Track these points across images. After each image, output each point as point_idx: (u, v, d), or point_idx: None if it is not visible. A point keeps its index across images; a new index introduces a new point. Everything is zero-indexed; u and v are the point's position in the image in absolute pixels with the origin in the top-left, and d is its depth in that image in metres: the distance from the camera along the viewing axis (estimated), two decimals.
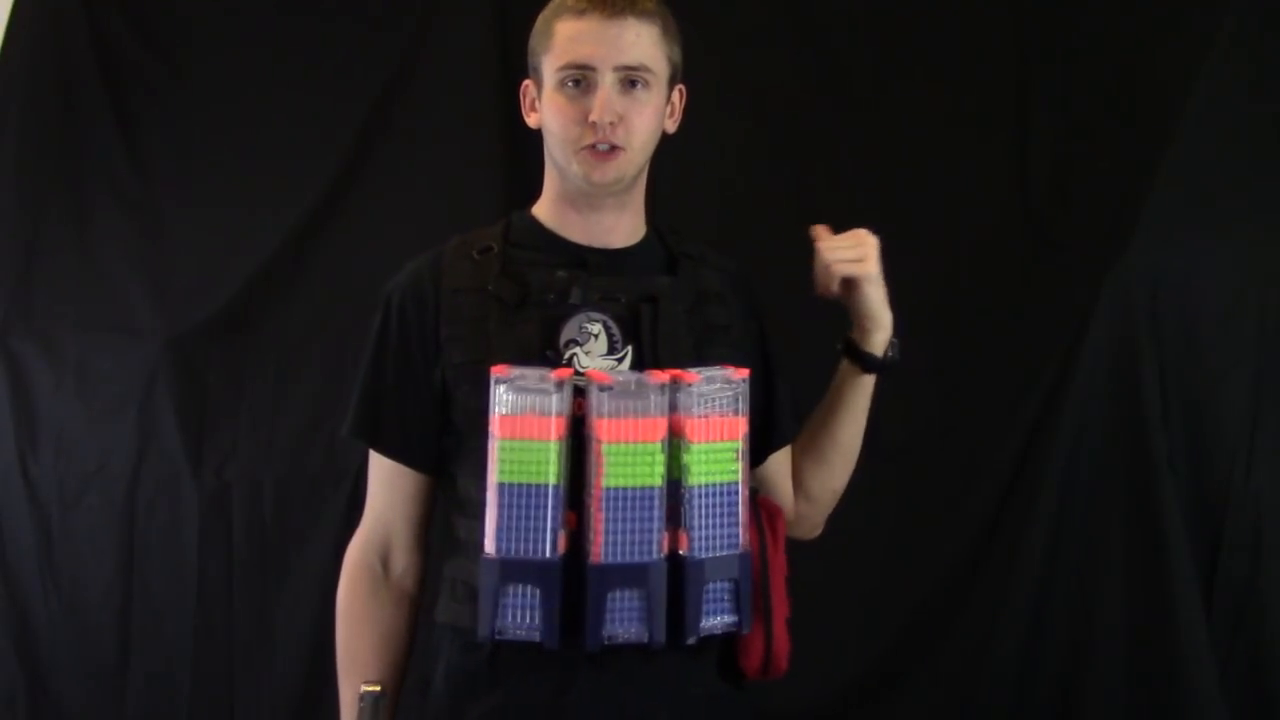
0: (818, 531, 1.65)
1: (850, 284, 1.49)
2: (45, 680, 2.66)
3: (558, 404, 1.35)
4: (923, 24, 2.55)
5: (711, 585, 1.38)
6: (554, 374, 1.36)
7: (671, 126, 1.53)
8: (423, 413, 1.49)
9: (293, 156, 2.68)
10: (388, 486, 1.54)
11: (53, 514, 2.67)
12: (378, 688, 1.46)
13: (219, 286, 2.67)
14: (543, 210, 1.54)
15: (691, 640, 1.37)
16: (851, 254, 1.49)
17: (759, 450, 1.52)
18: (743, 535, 1.39)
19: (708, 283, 1.52)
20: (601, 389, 1.35)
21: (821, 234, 1.52)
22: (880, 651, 2.48)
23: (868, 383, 1.55)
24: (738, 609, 1.39)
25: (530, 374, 1.36)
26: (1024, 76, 2.51)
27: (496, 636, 1.37)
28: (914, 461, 2.45)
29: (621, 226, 1.52)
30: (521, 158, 2.55)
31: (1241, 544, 2.32)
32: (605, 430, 1.34)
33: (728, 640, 1.44)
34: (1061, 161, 2.48)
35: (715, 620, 1.39)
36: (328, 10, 2.71)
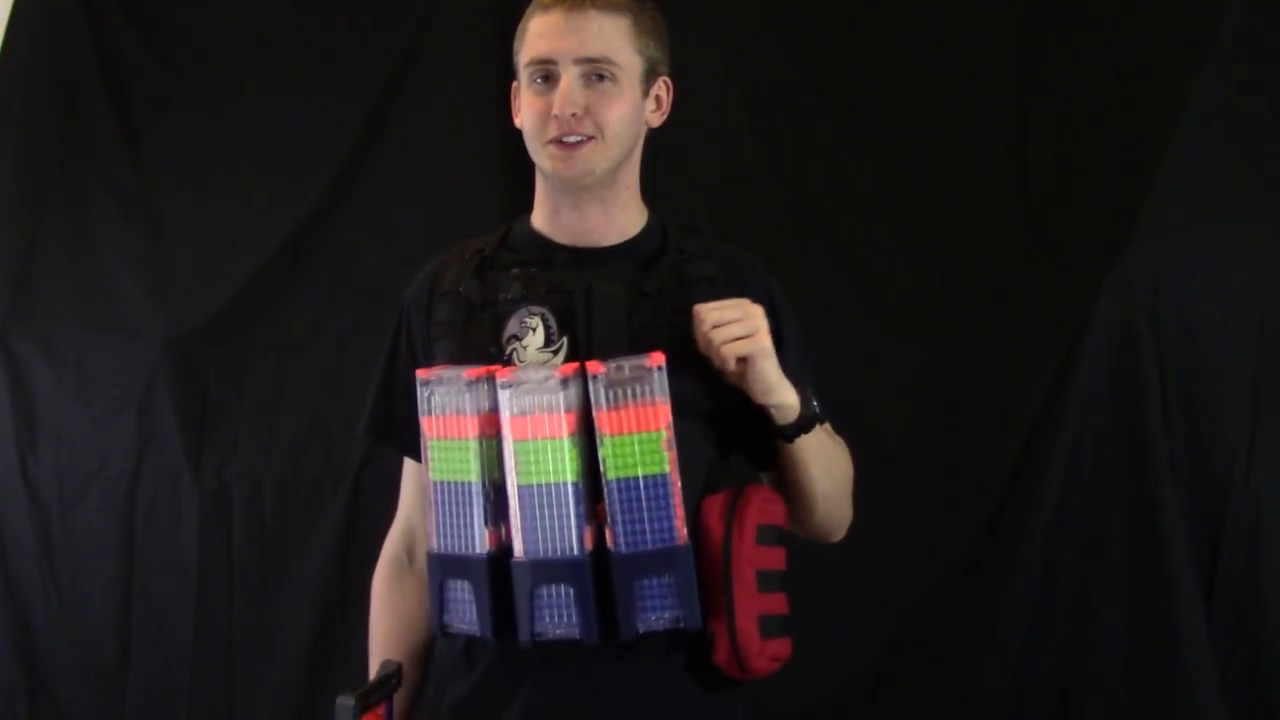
0: (841, 534, 1.61)
1: (743, 361, 1.40)
2: (45, 680, 2.67)
3: (472, 403, 1.36)
4: (922, 23, 2.55)
5: (645, 581, 1.36)
6: (467, 373, 1.37)
7: (657, 120, 1.52)
8: None
9: (293, 156, 2.69)
10: (409, 482, 1.60)
11: (53, 514, 2.68)
12: (395, 664, 1.50)
13: (219, 286, 2.68)
14: (535, 214, 1.55)
15: (629, 638, 1.36)
16: (740, 329, 1.39)
17: (763, 452, 1.51)
18: (679, 528, 1.36)
19: (698, 272, 1.50)
20: (504, 386, 1.36)
21: (702, 311, 1.41)
22: (880, 651, 2.48)
23: (799, 444, 1.46)
24: (680, 605, 1.37)
25: (448, 374, 1.38)
26: (1024, 76, 2.51)
27: (442, 631, 1.42)
28: (914, 461, 2.45)
29: (609, 225, 1.51)
30: (521, 159, 2.55)
31: (1241, 544, 2.31)
32: (513, 428, 1.36)
33: (699, 638, 1.42)
34: (1061, 161, 2.48)
35: (655, 616, 1.37)
36: (328, 11, 2.71)
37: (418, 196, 2.65)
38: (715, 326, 1.39)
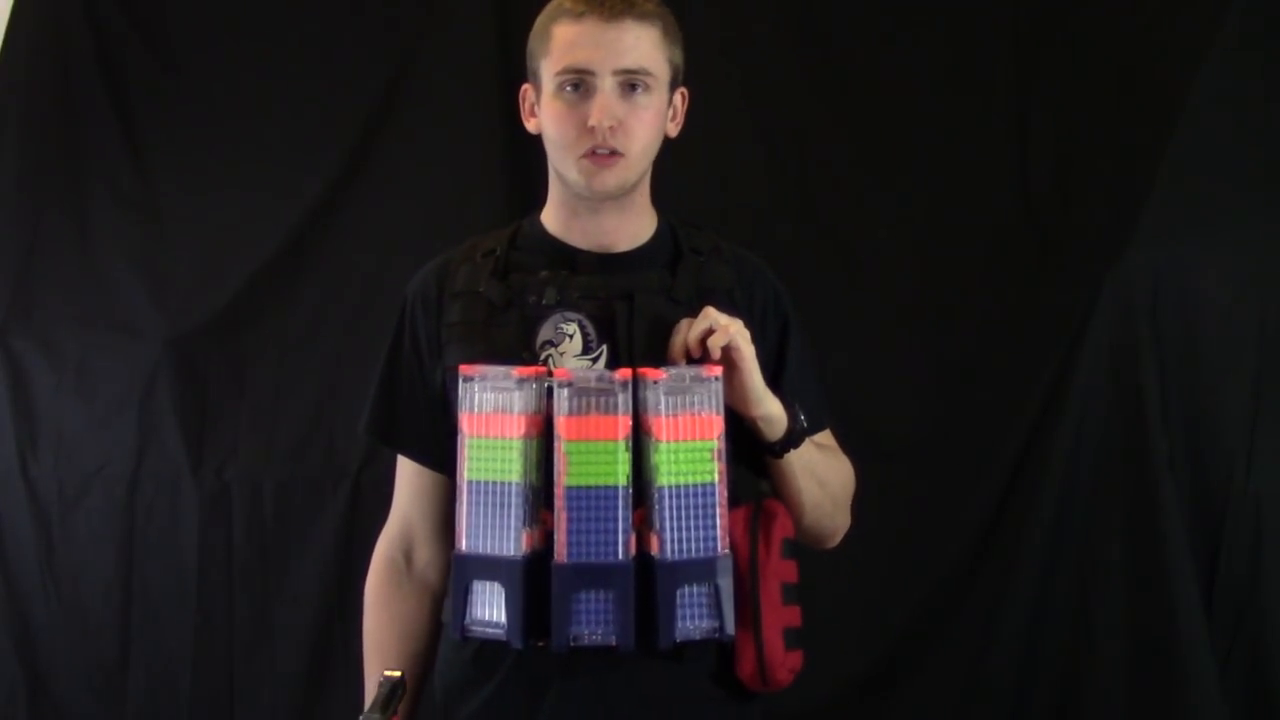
0: (834, 542, 1.61)
1: (729, 365, 1.39)
2: (45, 680, 2.67)
3: (521, 401, 1.35)
4: (923, 24, 2.55)
5: (687, 589, 1.35)
6: (517, 371, 1.36)
7: (674, 130, 1.52)
8: (432, 413, 1.50)
9: (293, 156, 2.68)
10: (407, 483, 1.56)
11: (53, 514, 2.67)
12: (398, 674, 1.47)
13: (219, 286, 2.67)
14: (547, 216, 1.54)
15: (667, 646, 1.35)
16: (723, 321, 1.38)
17: (759, 457, 1.50)
18: (722, 538, 1.36)
19: (715, 279, 1.50)
20: (561, 385, 1.35)
21: (682, 325, 1.42)
22: (880, 651, 2.48)
23: (787, 459, 1.47)
24: (718, 615, 1.36)
25: (495, 371, 1.37)
26: (1024, 76, 2.51)
27: (465, 634, 1.38)
28: (914, 461, 2.45)
29: (624, 230, 1.51)
30: (522, 158, 2.55)
31: (1241, 544, 2.32)
32: (566, 428, 1.34)
33: (723, 649, 1.42)
34: (1061, 161, 2.48)
35: (693, 625, 1.36)
36: (328, 10, 2.71)
37: (417, 196, 2.65)
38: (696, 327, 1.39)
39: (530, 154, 2.54)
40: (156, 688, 2.64)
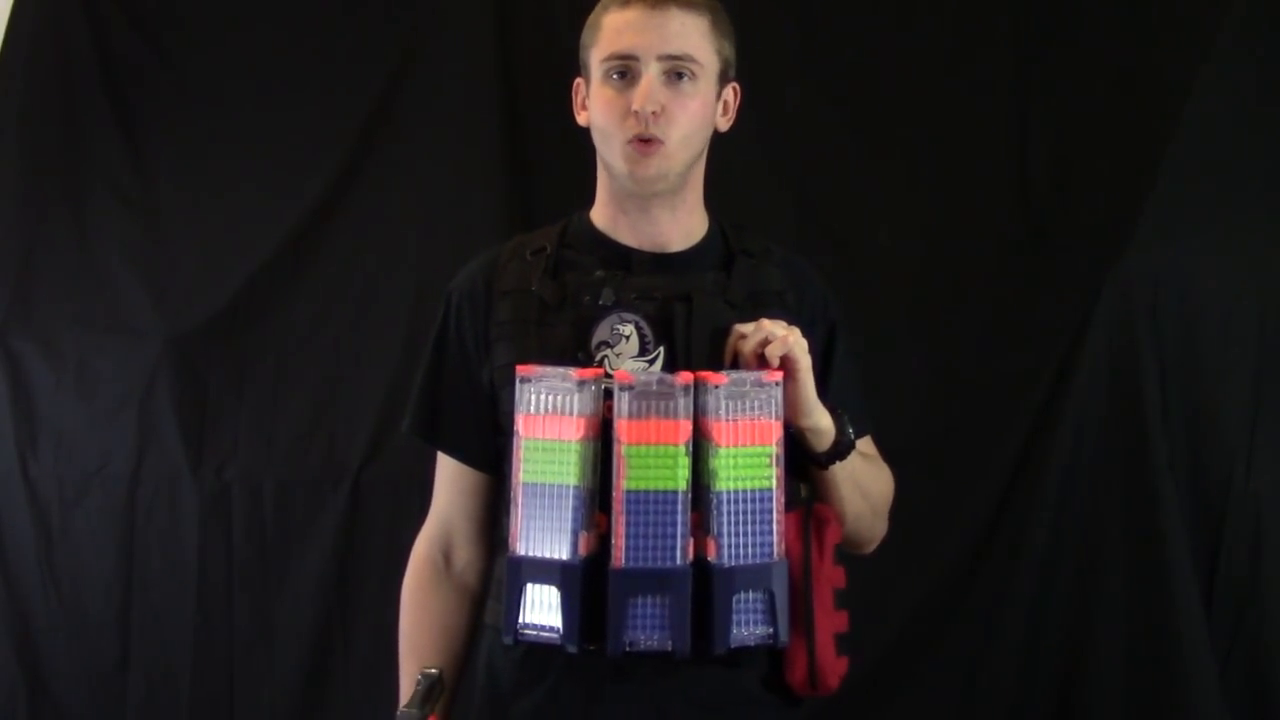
0: (870, 549, 1.61)
1: (785, 373, 1.38)
2: (45, 681, 2.66)
3: (579, 404, 1.34)
4: (923, 23, 2.55)
5: (743, 595, 1.34)
6: (577, 373, 1.34)
7: (724, 125, 1.51)
8: (477, 412, 1.49)
9: (293, 156, 2.68)
10: (449, 482, 1.55)
11: (53, 514, 2.67)
12: (435, 671, 1.46)
13: (219, 286, 2.67)
14: (596, 213, 1.53)
15: (721, 652, 1.34)
16: (781, 331, 1.38)
17: (802, 464, 1.48)
18: (778, 544, 1.35)
19: (767, 282, 1.49)
20: (623, 389, 1.33)
21: (740, 328, 1.41)
22: (880, 651, 2.48)
23: (835, 469, 1.46)
24: (773, 621, 1.36)
25: (553, 373, 1.35)
26: (1024, 76, 2.51)
27: (518, 638, 1.37)
28: (914, 461, 2.44)
29: (676, 228, 1.50)
30: (522, 158, 2.55)
31: (1241, 544, 2.32)
32: (626, 431, 1.33)
33: (774, 654, 1.41)
34: (1061, 161, 2.48)
35: (748, 632, 1.35)
36: (328, 11, 2.71)
37: (417, 197, 2.64)
38: (742, 336, 1.39)
39: (529, 154, 2.56)
40: (156, 688, 2.64)
